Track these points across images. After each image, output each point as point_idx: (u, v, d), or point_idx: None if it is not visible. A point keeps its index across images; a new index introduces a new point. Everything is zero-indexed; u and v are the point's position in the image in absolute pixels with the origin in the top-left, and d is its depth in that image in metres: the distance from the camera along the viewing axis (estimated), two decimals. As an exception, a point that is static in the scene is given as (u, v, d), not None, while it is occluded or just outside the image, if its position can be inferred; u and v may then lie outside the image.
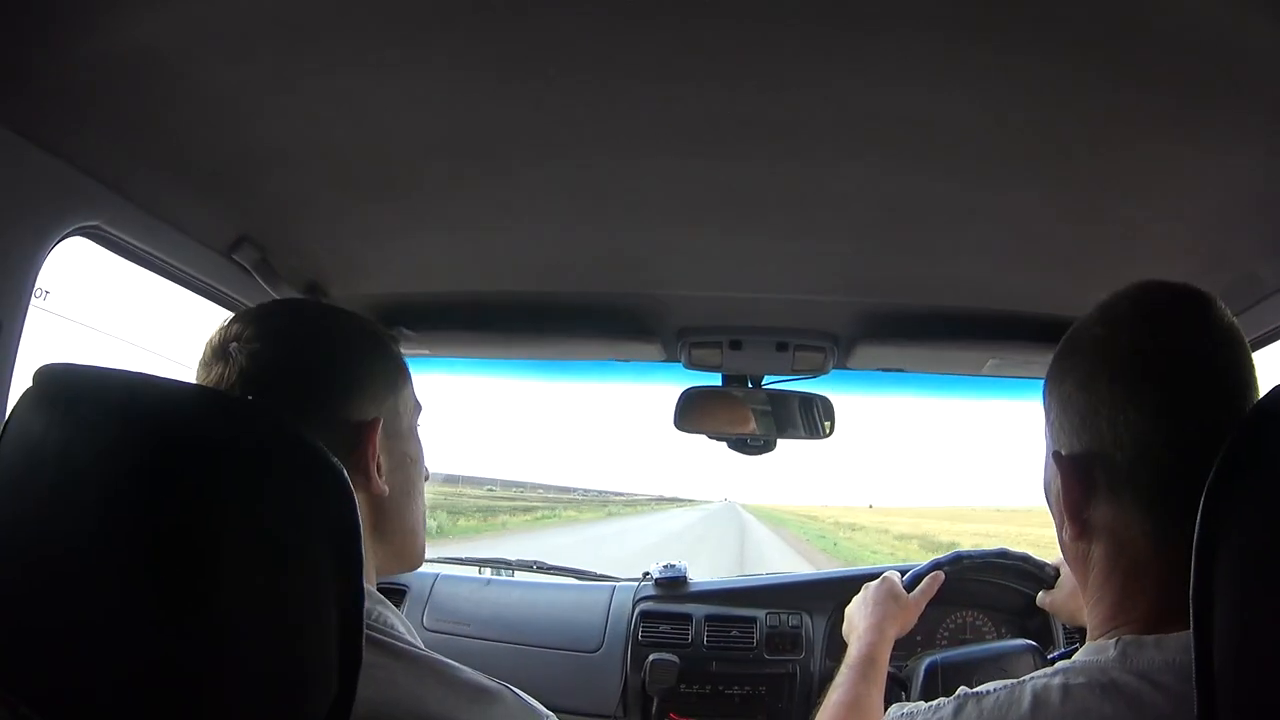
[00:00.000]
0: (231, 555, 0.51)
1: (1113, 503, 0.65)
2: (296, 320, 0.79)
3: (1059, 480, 0.68)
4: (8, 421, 0.57)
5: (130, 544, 0.52)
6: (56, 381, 0.58)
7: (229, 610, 0.51)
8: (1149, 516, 0.63)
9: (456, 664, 0.68)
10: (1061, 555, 0.74)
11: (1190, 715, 0.52)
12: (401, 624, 0.70)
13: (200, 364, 0.74)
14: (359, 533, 0.52)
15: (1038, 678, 0.63)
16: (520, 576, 2.05)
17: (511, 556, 2.08)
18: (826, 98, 0.85)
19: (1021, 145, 0.92)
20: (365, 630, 0.64)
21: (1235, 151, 0.90)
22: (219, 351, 0.73)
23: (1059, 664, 0.65)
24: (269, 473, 0.53)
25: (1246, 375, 0.64)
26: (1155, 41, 0.74)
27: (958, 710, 0.65)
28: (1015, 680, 0.64)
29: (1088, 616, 0.70)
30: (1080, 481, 0.67)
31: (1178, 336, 0.64)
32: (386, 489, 0.75)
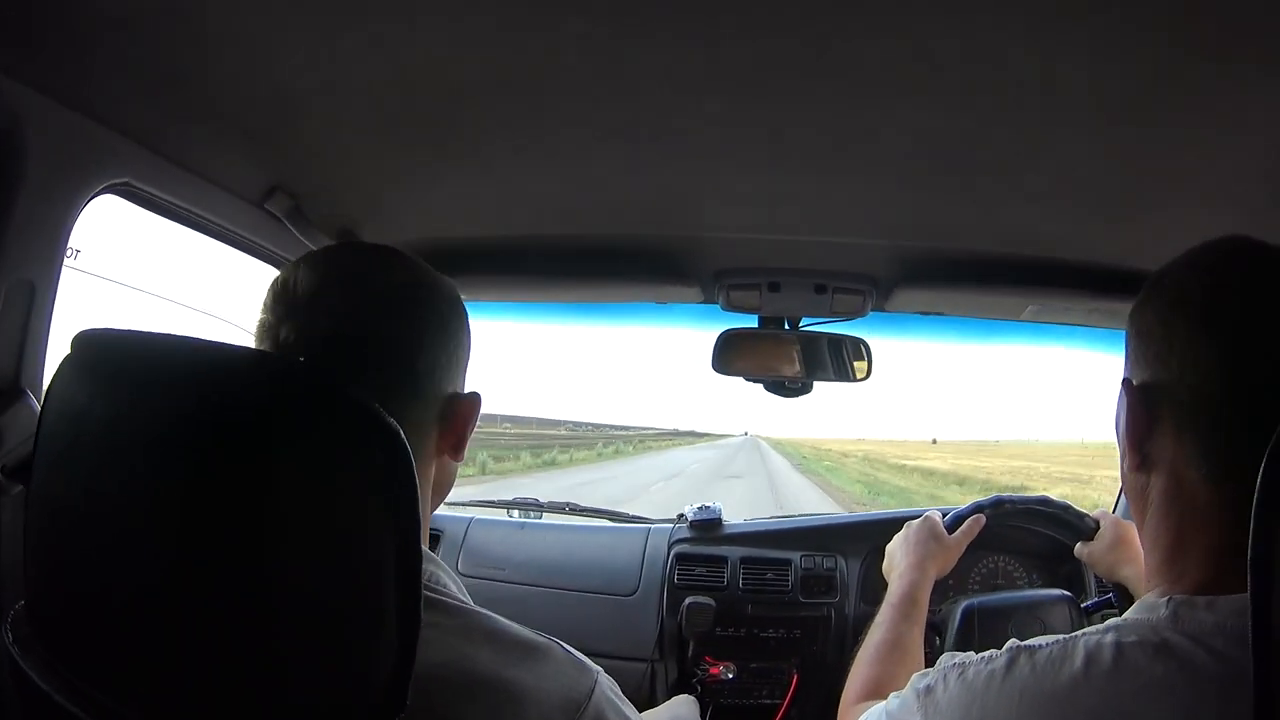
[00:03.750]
0: (286, 523, 0.50)
1: (1174, 439, 0.65)
2: (392, 282, 0.73)
3: (1126, 408, 0.69)
4: (48, 391, 0.56)
5: (181, 515, 0.50)
6: (96, 347, 0.56)
7: (285, 579, 0.50)
8: (1205, 461, 0.63)
9: (506, 621, 0.67)
10: (1122, 492, 0.74)
11: (1241, 681, 0.51)
12: (453, 583, 0.70)
13: (266, 318, 0.69)
14: (417, 494, 0.51)
15: (1089, 634, 0.63)
16: (554, 519, 2.06)
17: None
18: (874, 37, 0.82)
19: (1073, 90, 0.89)
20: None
21: None
22: (294, 307, 0.68)
23: (1110, 621, 0.65)
24: (323, 437, 0.51)
25: None
26: None
27: (1010, 663, 0.65)
28: (1066, 636, 0.64)
29: (1145, 558, 0.70)
30: (1146, 412, 0.67)
31: (1261, 291, 0.64)
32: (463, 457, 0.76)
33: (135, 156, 0.98)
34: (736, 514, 1.97)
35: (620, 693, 0.71)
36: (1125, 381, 0.70)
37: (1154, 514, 0.68)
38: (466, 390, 0.76)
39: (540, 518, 2.03)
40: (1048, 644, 0.64)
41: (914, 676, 0.73)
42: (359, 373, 0.56)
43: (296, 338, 0.66)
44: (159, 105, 0.95)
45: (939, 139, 1.03)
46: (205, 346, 0.54)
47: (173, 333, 0.55)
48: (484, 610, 0.67)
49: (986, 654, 0.67)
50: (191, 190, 1.09)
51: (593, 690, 0.67)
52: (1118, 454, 0.73)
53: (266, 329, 0.68)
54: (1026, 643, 0.66)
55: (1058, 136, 1.01)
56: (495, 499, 2.12)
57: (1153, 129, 0.97)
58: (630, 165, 1.16)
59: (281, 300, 0.68)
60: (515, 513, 2.04)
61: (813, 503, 21.78)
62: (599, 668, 0.69)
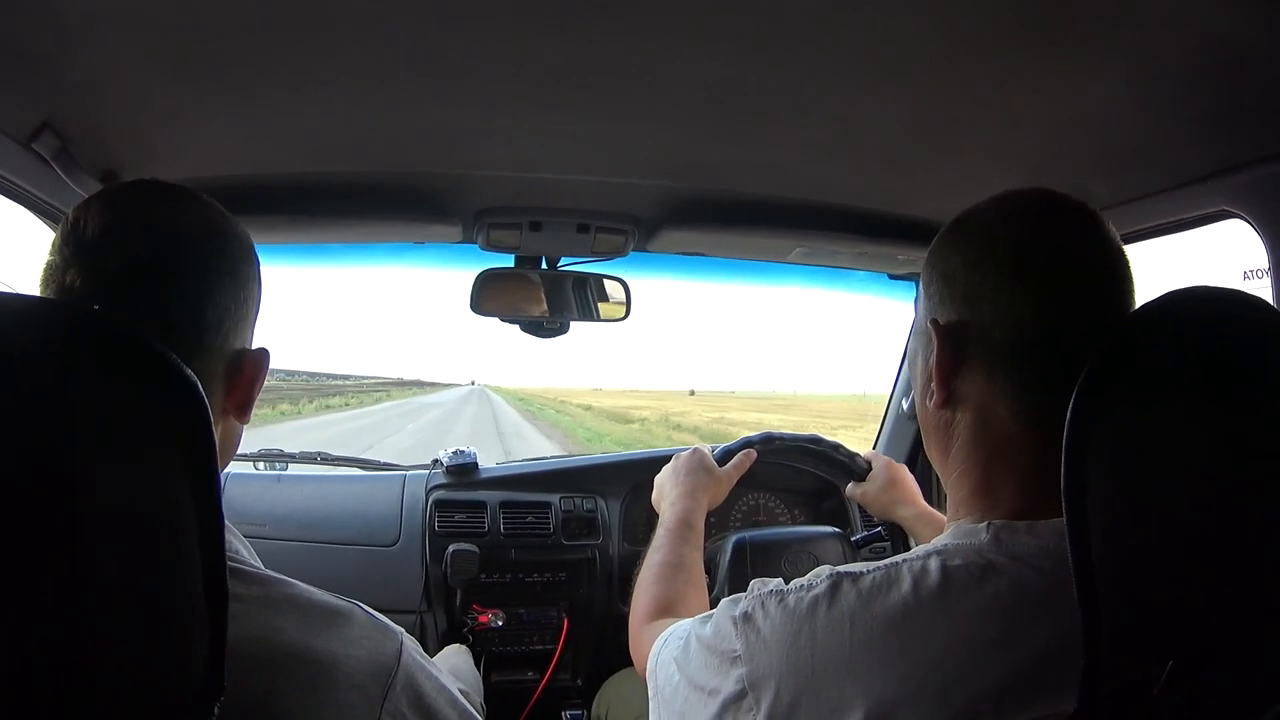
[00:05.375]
0: (80, 485, 0.46)
1: (984, 377, 0.68)
2: (184, 225, 0.69)
3: (935, 347, 0.70)
4: None
5: None
6: None
7: (83, 548, 0.46)
8: (1020, 397, 0.66)
9: (304, 586, 0.66)
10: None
11: (1068, 597, 0.54)
12: (245, 547, 0.69)
13: (53, 260, 0.64)
14: (215, 451, 0.49)
15: (910, 559, 0.64)
16: (305, 470, 1.93)
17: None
18: None
19: (853, 42, 0.89)
20: None
21: (1080, 70, 0.91)
22: (83, 248, 0.63)
23: (924, 547, 0.66)
24: (115, 389, 0.48)
25: (1128, 288, 0.67)
26: None
27: (833, 589, 0.64)
28: (888, 561, 0.65)
29: (950, 490, 0.72)
30: (954, 350, 0.69)
31: (1068, 241, 0.67)
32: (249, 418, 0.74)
33: None
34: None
35: (424, 652, 0.72)
36: (933, 321, 0.71)
37: (960, 448, 0.70)
38: (255, 346, 0.74)
39: (287, 469, 1.89)
40: (869, 570, 0.64)
41: (723, 603, 0.72)
42: (143, 322, 0.53)
43: (83, 282, 0.63)
44: None
45: (712, 82, 1.01)
46: None
47: None
48: (280, 575, 0.66)
49: (803, 581, 0.67)
50: None
51: (400, 654, 0.67)
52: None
53: (52, 272, 0.64)
54: (845, 568, 0.66)
55: (835, 85, 1.00)
56: (242, 452, 1.94)
57: (934, 84, 0.98)
58: (394, 100, 1.10)
59: (70, 241, 0.64)
60: (262, 465, 1.88)
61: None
62: (401, 629, 0.70)
